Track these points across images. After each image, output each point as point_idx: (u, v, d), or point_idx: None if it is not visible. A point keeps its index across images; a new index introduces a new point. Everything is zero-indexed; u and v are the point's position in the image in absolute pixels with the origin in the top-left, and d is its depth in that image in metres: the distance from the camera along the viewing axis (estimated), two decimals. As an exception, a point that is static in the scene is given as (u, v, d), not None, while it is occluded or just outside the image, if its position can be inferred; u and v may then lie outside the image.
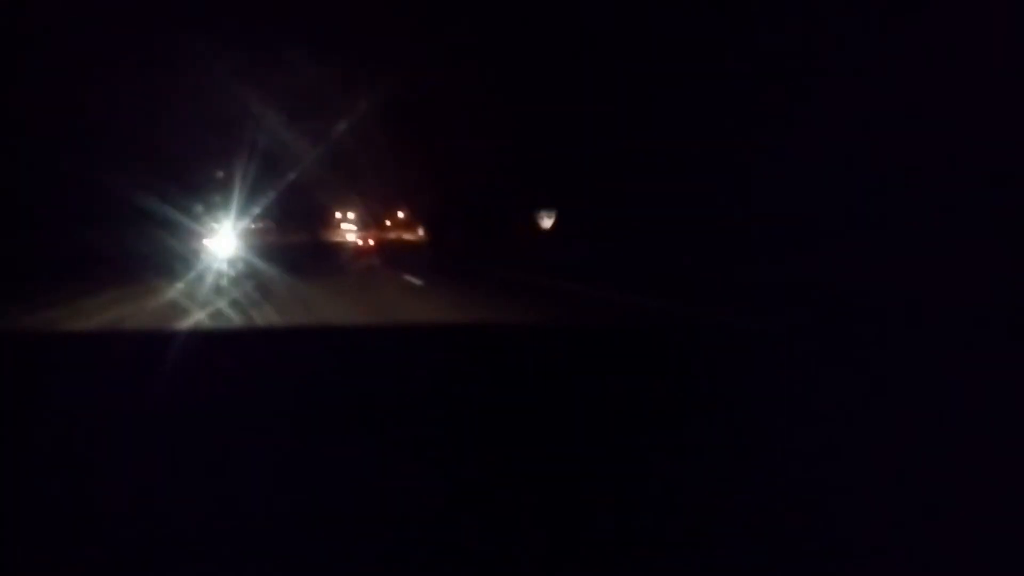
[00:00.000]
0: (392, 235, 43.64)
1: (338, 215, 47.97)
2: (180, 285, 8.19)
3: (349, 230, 45.96)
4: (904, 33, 10.97)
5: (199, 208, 12.35)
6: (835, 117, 11.68)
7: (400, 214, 48.05)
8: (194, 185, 12.40)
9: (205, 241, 12.24)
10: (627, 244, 14.23)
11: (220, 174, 13.33)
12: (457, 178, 25.77)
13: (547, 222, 21.93)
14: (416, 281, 11.21)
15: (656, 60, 15.88)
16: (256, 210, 13.47)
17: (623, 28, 16.84)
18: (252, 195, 13.01)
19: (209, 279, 8.94)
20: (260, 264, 11.39)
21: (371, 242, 36.28)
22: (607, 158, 17.16)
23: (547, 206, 22.15)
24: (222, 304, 6.55)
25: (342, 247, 32.84)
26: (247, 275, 9.68)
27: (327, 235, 43.93)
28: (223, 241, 12.50)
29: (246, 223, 14.71)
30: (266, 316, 5.93)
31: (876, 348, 2.80)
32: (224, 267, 10.30)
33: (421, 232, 39.80)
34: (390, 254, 23.11)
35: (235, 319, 5.65)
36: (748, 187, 14.25)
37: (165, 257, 10.08)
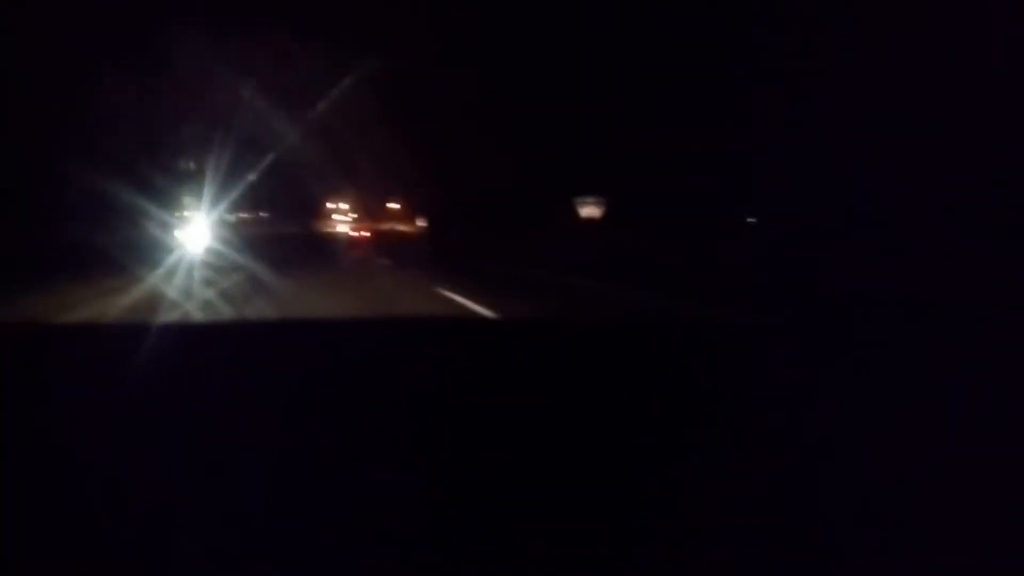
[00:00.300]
0: (386, 226, 43.19)
1: (330, 205, 47.62)
2: (133, 287, 7.48)
3: (342, 221, 45.58)
4: (904, 33, 10.94)
5: (170, 197, 11.76)
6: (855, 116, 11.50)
7: (394, 205, 47.65)
8: (166, 173, 11.76)
9: (176, 233, 11.54)
10: (674, 240, 13.59)
11: (192, 163, 12.65)
12: (464, 167, 24.70)
13: (591, 211, 18.51)
14: (479, 308, 7.41)
15: (667, 59, 15.76)
16: (233, 198, 12.74)
17: (629, 28, 16.77)
18: (232, 184, 12.43)
19: (171, 279, 8.18)
20: (237, 260, 10.39)
21: (365, 233, 35.85)
22: (630, 154, 16.71)
23: (590, 192, 18.75)
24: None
25: (337, 239, 31.27)
26: (217, 275, 8.56)
27: (319, 226, 43.62)
28: (195, 232, 11.81)
29: (223, 212, 13.94)
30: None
31: (886, 350, 2.83)
32: (193, 264, 9.44)
33: (422, 223, 39.01)
34: (396, 250, 19.69)
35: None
36: (750, 187, 14.19)
37: (127, 250, 9.36)
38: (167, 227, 11.09)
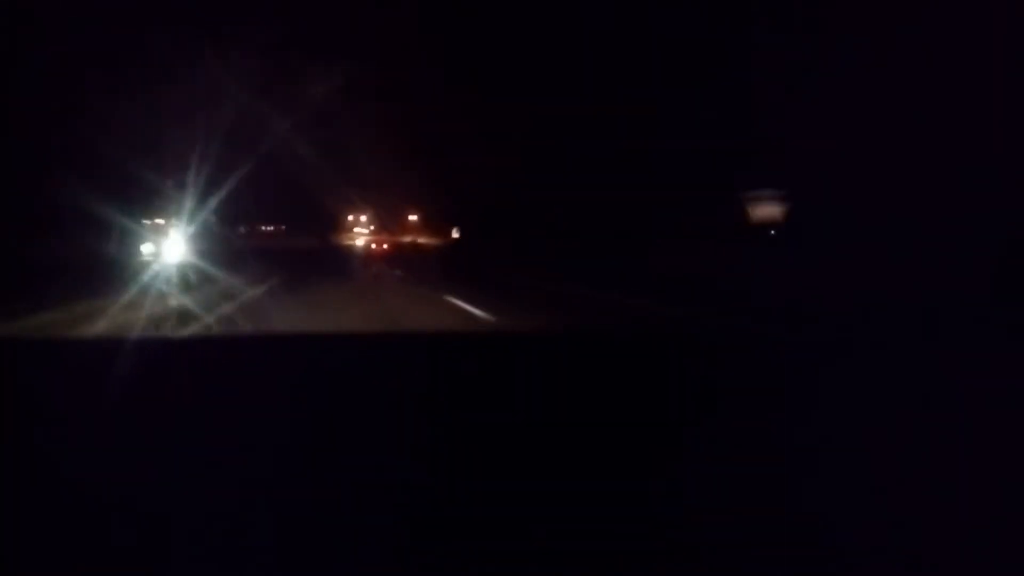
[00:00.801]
0: (407, 239, 42.23)
1: (350, 218, 47.27)
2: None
3: (361, 233, 45.14)
4: (902, 35, 10.70)
5: (142, 202, 10.07)
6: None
7: (413, 217, 46.92)
8: (143, 176, 10.11)
9: (144, 247, 9.76)
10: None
11: (174, 168, 10.92)
12: (511, 164, 21.83)
13: (768, 211, 13.43)
14: None
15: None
16: (213, 207, 11.01)
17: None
18: (228, 193, 10.95)
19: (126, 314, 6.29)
20: (216, 284, 8.34)
21: (384, 246, 34.88)
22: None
23: (765, 184, 13.39)
24: None
25: (366, 255, 27.16)
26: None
27: (338, 238, 43.12)
28: (171, 246, 10.09)
29: (211, 222, 11.97)
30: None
31: (915, 363, 2.66)
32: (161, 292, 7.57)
33: (455, 234, 36.80)
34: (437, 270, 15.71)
35: None
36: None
37: (81, 270, 7.73)
38: (134, 239, 9.31)
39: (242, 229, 27.67)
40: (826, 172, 11.99)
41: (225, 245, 13.64)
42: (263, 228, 40.81)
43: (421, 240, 41.16)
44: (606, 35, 17.98)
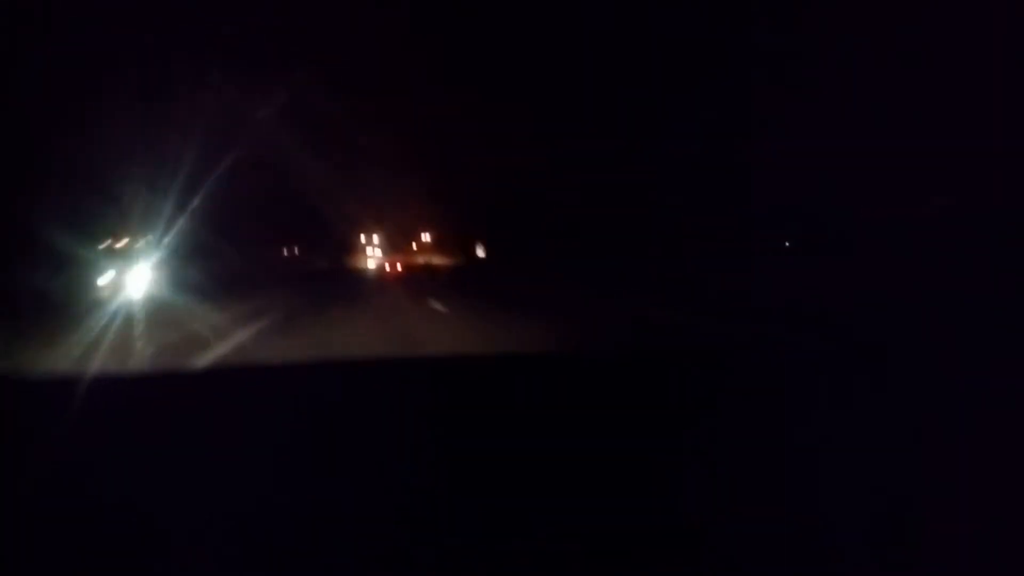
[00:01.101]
0: (420, 259, 40.76)
1: (362, 239, 46.06)
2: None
3: (374, 256, 43.85)
4: (901, 38, 10.94)
5: (110, 226, 8.27)
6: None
7: (426, 236, 45.54)
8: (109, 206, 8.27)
9: (101, 279, 7.89)
10: None
11: (142, 182, 9.01)
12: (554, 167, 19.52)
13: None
14: None
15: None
16: (211, 229, 9.13)
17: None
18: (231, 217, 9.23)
19: None
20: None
21: (398, 267, 33.38)
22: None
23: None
24: None
25: (382, 279, 22.90)
26: None
27: (351, 261, 41.85)
28: (136, 277, 8.17)
29: (185, 242, 9.85)
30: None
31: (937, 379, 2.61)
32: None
33: (481, 254, 34.27)
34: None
35: None
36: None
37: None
38: (88, 269, 7.42)
39: (241, 255, 25.79)
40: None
41: (222, 272, 11.90)
42: (276, 252, 39.12)
43: (435, 261, 39.65)
44: (606, 35, 16.79)
